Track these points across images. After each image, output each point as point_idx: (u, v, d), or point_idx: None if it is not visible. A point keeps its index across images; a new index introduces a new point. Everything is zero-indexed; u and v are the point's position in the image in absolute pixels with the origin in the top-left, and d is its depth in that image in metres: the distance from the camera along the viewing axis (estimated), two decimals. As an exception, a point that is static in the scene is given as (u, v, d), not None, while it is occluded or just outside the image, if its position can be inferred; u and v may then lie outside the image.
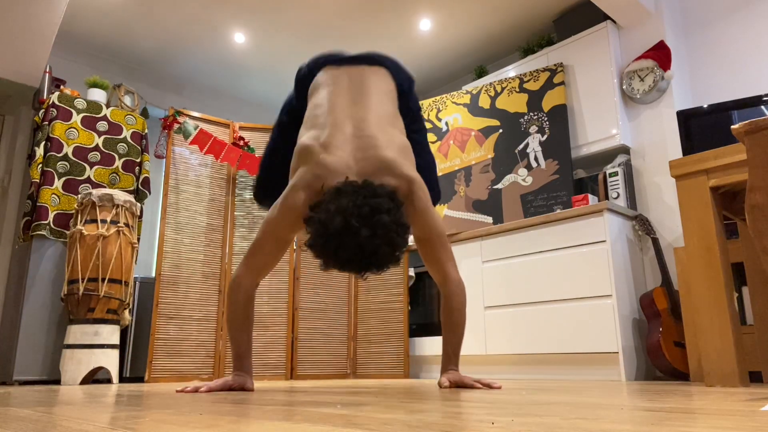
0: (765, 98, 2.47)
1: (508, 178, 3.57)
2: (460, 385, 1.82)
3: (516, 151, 3.59)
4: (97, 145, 3.48)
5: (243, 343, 1.82)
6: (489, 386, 1.80)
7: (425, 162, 2.16)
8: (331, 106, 1.87)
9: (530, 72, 3.70)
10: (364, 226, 1.44)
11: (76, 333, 2.96)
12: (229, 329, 1.82)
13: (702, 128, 2.57)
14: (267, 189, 2.22)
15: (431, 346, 3.64)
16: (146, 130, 3.73)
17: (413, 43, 4.31)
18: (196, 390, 1.69)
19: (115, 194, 3.15)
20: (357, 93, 1.92)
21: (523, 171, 3.52)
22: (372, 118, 1.82)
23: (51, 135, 3.33)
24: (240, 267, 1.81)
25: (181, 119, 3.67)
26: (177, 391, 1.74)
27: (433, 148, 4.00)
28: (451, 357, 1.87)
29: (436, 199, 2.16)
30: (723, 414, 0.85)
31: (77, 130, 3.43)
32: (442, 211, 3.80)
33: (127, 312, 3.17)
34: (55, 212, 3.26)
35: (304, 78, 2.12)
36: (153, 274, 4.28)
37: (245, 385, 1.78)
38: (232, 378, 1.79)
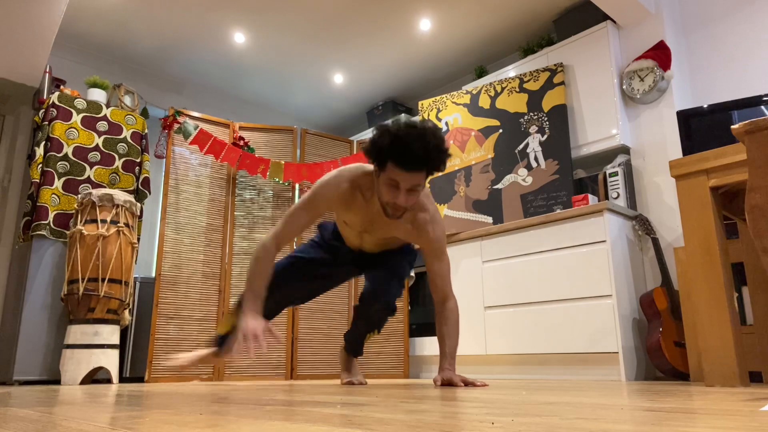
0: (765, 98, 2.47)
1: (508, 178, 3.57)
2: (449, 383, 1.96)
3: (516, 151, 3.59)
4: (97, 145, 3.48)
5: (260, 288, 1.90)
6: (473, 384, 1.94)
7: None
8: None
9: (530, 72, 3.70)
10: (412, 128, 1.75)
11: (76, 333, 2.96)
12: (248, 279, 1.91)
13: (702, 128, 2.56)
14: None
15: (431, 346, 3.64)
16: (146, 130, 3.72)
17: (413, 43, 4.31)
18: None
19: (115, 194, 3.15)
20: None
21: (523, 171, 3.52)
22: None
23: (51, 135, 3.33)
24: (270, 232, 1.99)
25: (181, 119, 3.67)
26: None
27: (433, 148, 4.00)
28: (446, 356, 2.01)
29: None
30: (723, 414, 0.85)
31: (77, 130, 3.43)
32: (442, 210, 3.80)
33: (127, 312, 3.17)
34: (55, 212, 3.26)
35: None
36: (153, 274, 4.28)
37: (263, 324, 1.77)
38: (247, 318, 1.77)
